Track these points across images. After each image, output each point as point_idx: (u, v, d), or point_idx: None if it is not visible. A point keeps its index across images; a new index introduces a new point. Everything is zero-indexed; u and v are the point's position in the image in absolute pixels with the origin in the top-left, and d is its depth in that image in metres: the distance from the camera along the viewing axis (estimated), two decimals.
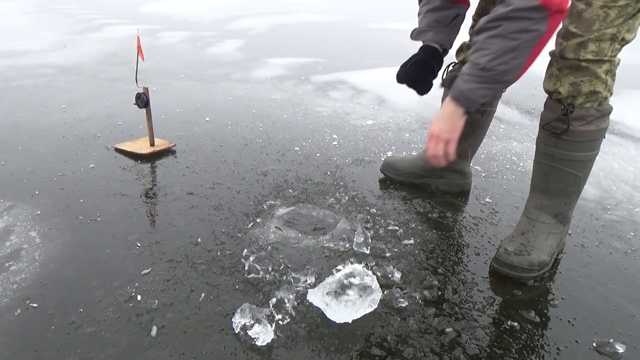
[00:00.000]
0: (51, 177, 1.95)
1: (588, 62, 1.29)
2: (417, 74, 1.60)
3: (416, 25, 1.67)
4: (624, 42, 1.30)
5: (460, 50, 1.79)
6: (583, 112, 1.35)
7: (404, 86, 1.64)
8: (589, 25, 1.25)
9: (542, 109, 1.47)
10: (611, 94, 1.37)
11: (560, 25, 1.31)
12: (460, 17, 1.61)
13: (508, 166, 2.31)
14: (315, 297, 1.27)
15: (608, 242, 1.70)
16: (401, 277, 1.42)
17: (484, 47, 1.22)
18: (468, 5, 1.62)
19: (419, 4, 1.68)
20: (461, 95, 1.31)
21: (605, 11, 1.23)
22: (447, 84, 1.39)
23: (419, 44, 1.66)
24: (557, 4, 1.13)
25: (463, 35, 1.76)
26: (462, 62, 1.79)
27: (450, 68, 1.81)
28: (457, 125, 1.36)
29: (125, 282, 1.35)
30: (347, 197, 1.89)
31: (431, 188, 2.01)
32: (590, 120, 1.36)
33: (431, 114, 2.84)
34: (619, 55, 1.33)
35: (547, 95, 1.44)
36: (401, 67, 1.63)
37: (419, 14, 1.66)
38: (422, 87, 1.63)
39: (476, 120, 1.81)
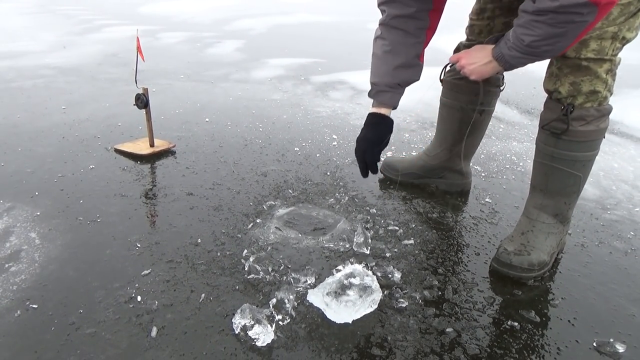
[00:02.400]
0: (51, 178, 1.95)
1: (589, 61, 1.29)
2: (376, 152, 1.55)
3: (373, 54, 1.60)
4: (625, 41, 1.29)
5: (457, 50, 1.79)
6: (583, 112, 1.35)
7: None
8: None
9: (542, 109, 1.47)
10: (611, 94, 1.37)
11: None
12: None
13: (508, 166, 2.31)
14: (316, 297, 1.27)
15: (608, 241, 1.70)
16: (401, 277, 1.42)
17: (529, 27, 1.19)
18: (422, 65, 1.57)
19: (378, 42, 1.57)
20: (502, 58, 1.31)
21: None
22: (492, 40, 1.38)
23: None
24: None
25: (459, 36, 1.76)
26: None
27: (448, 68, 1.82)
28: (487, 72, 1.39)
29: (125, 283, 1.35)
30: (347, 197, 1.89)
31: (431, 188, 2.01)
32: (590, 120, 1.35)
33: (431, 114, 2.84)
34: (619, 55, 1.33)
35: (547, 95, 1.44)
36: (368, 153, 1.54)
37: (377, 57, 1.58)
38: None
39: (475, 120, 1.81)
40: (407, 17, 1.47)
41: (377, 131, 1.55)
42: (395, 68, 1.52)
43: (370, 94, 1.61)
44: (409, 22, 1.48)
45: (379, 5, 1.55)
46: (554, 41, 1.18)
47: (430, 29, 1.52)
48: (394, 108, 1.59)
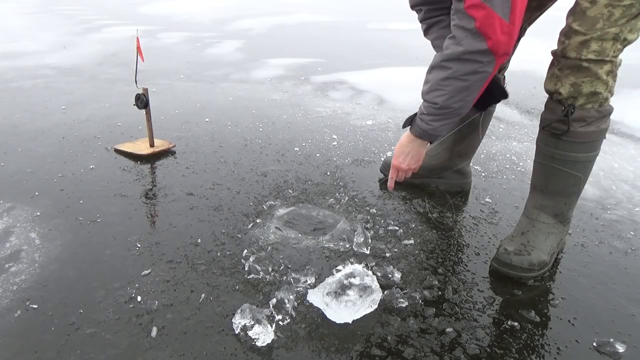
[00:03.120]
0: (51, 178, 1.95)
1: (589, 62, 1.29)
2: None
3: (433, 46, 1.66)
4: (626, 42, 1.29)
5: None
6: (583, 113, 1.34)
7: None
8: (592, 23, 1.25)
9: (542, 109, 1.47)
10: (612, 95, 1.37)
11: (564, 23, 1.32)
12: None
13: (508, 166, 2.31)
14: (316, 297, 1.27)
15: (608, 241, 1.70)
16: (401, 277, 1.42)
17: (439, 87, 1.33)
18: None
19: (428, 26, 1.66)
20: (425, 134, 1.44)
21: (609, 10, 1.23)
22: (406, 124, 1.52)
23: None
24: (503, 48, 1.22)
25: None
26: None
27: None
28: (422, 156, 1.54)
29: (125, 283, 1.35)
30: (347, 197, 1.89)
31: (431, 188, 2.01)
32: (590, 121, 1.35)
33: None
34: (620, 56, 1.33)
35: (547, 96, 1.44)
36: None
37: (436, 37, 1.63)
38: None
39: (475, 119, 1.81)
40: (442, 8, 1.59)
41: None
42: None
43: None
44: (445, 10, 1.59)
45: (412, 7, 1.69)
46: (464, 95, 1.32)
47: None
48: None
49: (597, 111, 1.35)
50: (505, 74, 1.77)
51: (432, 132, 1.42)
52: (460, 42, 1.25)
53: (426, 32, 1.70)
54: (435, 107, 1.36)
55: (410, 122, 1.50)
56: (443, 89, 1.32)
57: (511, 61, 1.73)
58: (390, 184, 1.60)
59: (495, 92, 1.51)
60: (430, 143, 1.51)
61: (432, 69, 1.37)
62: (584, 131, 1.36)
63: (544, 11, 1.57)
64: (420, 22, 1.71)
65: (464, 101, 1.34)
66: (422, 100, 1.41)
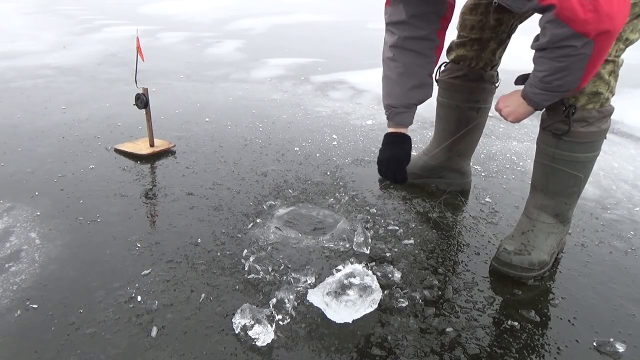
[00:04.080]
0: (51, 178, 1.95)
1: None
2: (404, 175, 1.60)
3: (383, 88, 1.63)
4: (628, 42, 1.29)
5: (450, 49, 1.79)
6: (584, 113, 1.34)
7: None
8: None
9: (543, 109, 1.46)
10: (613, 95, 1.36)
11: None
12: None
13: (508, 166, 2.31)
14: (316, 297, 1.27)
15: (608, 241, 1.70)
16: (401, 277, 1.42)
17: (538, 63, 1.25)
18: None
19: (391, 65, 1.58)
20: (528, 98, 1.34)
21: None
22: (519, 81, 1.41)
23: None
24: (594, 27, 1.09)
25: (450, 35, 1.76)
26: (453, 61, 1.78)
27: (443, 68, 1.82)
28: (520, 115, 1.41)
29: (126, 283, 1.35)
30: (347, 197, 1.89)
31: (431, 188, 2.01)
32: (591, 121, 1.35)
33: (430, 114, 2.84)
34: (622, 56, 1.32)
35: None
36: (390, 168, 1.59)
37: (391, 80, 1.59)
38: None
39: (472, 118, 1.81)
40: (418, 38, 1.51)
41: (402, 149, 1.59)
42: (410, 89, 1.56)
43: (388, 116, 1.64)
44: (420, 43, 1.52)
45: (387, 25, 1.58)
46: (562, 75, 1.21)
47: (439, 48, 1.56)
48: (409, 125, 1.64)
49: (598, 111, 1.35)
50: (498, 69, 1.78)
51: (534, 99, 1.33)
52: (545, 33, 1.18)
53: (392, 54, 1.57)
54: (537, 79, 1.28)
55: (523, 80, 1.39)
56: (541, 66, 1.25)
57: (511, 60, 1.74)
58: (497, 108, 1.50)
59: None
60: (534, 109, 1.39)
61: (535, 48, 1.27)
62: (585, 131, 1.36)
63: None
64: (392, 45, 1.56)
65: (562, 80, 1.23)
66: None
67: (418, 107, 1.62)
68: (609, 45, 1.15)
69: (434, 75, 1.83)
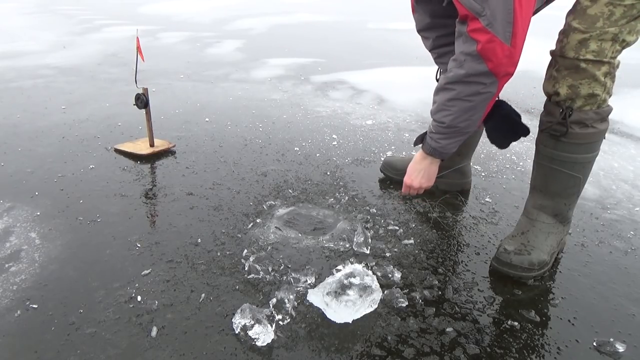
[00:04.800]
0: (51, 178, 1.95)
1: (587, 63, 1.29)
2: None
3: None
4: (625, 43, 1.29)
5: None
6: (582, 115, 1.34)
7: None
8: (592, 22, 1.25)
9: (542, 110, 1.46)
10: (610, 96, 1.36)
11: (564, 22, 1.32)
12: None
13: (508, 165, 2.31)
14: (316, 297, 1.27)
15: (608, 241, 1.70)
16: (401, 277, 1.42)
17: (445, 108, 1.38)
18: None
19: (440, 55, 1.71)
20: (436, 152, 1.48)
21: (610, 9, 1.23)
22: (418, 142, 1.56)
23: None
24: (504, 70, 1.26)
25: None
26: None
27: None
28: (434, 173, 1.57)
29: (125, 283, 1.35)
30: (347, 197, 1.89)
31: (431, 188, 2.01)
32: (589, 123, 1.35)
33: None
34: (618, 58, 1.32)
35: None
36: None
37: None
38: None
39: None
40: (450, 34, 1.55)
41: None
42: None
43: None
44: (452, 36, 1.56)
45: (419, 33, 1.73)
46: (470, 115, 1.36)
47: None
48: None
49: (595, 113, 1.35)
50: None
51: (441, 150, 1.47)
52: (462, 65, 1.29)
53: (438, 61, 1.74)
54: (443, 127, 1.40)
55: (421, 140, 1.54)
56: (449, 109, 1.37)
57: None
58: (404, 193, 1.64)
59: (518, 130, 1.51)
60: (442, 161, 1.54)
61: (438, 90, 1.41)
62: (583, 132, 1.36)
63: (547, 5, 1.56)
64: (430, 50, 1.73)
65: (469, 120, 1.37)
66: (432, 120, 1.45)
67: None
68: (501, 89, 1.31)
69: (434, 76, 1.83)
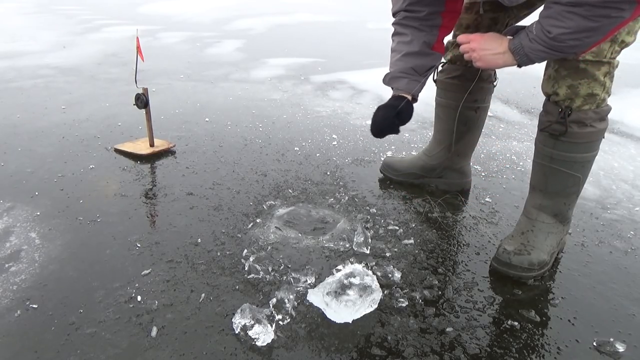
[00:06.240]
0: (51, 178, 1.95)
1: (587, 64, 1.29)
2: (387, 123, 1.55)
3: (389, 63, 1.61)
4: (624, 44, 1.29)
5: (446, 49, 1.75)
6: (581, 115, 1.34)
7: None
8: None
9: (541, 110, 1.46)
10: (609, 95, 1.37)
11: None
12: (434, 69, 1.60)
13: (508, 165, 2.31)
14: (316, 297, 1.27)
15: (608, 241, 1.70)
16: (401, 277, 1.42)
17: (559, 17, 1.13)
18: (443, 54, 1.59)
19: (394, 39, 1.60)
20: (522, 51, 1.25)
21: None
22: (511, 32, 1.30)
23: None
24: None
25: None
26: (449, 61, 1.78)
27: (440, 68, 1.82)
28: (496, 63, 1.33)
29: (125, 283, 1.35)
30: (347, 197, 1.89)
31: (431, 188, 2.01)
32: (588, 122, 1.35)
33: (430, 114, 2.84)
34: (617, 58, 1.32)
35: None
36: (374, 118, 1.56)
37: (393, 51, 1.59)
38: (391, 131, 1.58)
39: (471, 117, 1.82)
40: (416, 18, 1.51)
41: (392, 104, 1.54)
42: (406, 54, 1.53)
43: (384, 81, 1.60)
44: (418, 21, 1.51)
45: (394, 14, 1.59)
46: (585, 35, 1.13)
47: (444, 27, 1.54)
48: (414, 97, 1.57)
49: (594, 112, 1.35)
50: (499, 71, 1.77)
51: (528, 51, 1.23)
52: None
53: (392, 37, 1.61)
54: (547, 35, 1.17)
55: (514, 32, 1.29)
56: (565, 21, 1.12)
57: None
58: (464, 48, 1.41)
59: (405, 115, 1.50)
60: (519, 66, 1.31)
61: (553, 5, 1.16)
62: (582, 132, 1.36)
63: (532, 10, 1.56)
64: (392, 24, 1.61)
65: (581, 41, 1.14)
66: (538, 22, 1.20)
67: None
68: (635, 16, 1.09)
69: (433, 76, 1.83)
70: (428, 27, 1.51)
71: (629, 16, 1.08)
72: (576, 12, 1.10)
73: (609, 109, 1.38)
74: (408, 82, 1.53)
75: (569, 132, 1.36)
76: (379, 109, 1.54)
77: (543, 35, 1.18)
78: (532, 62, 1.27)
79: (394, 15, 1.59)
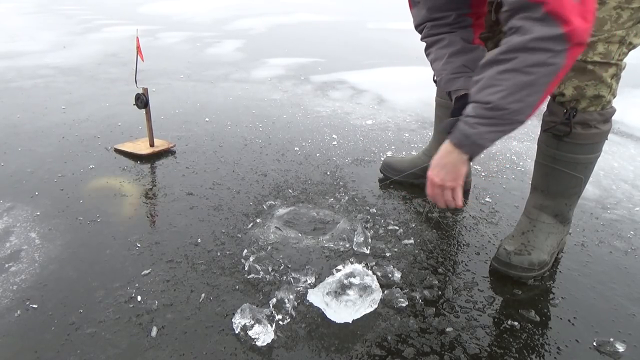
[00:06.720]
0: (51, 178, 1.95)
1: (594, 65, 1.28)
2: None
3: (432, 69, 1.53)
4: (632, 46, 1.29)
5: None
6: (586, 116, 1.34)
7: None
8: (600, 25, 1.24)
9: (544, 110, 1.46)
10: (614, 97, 1.36)
11: None
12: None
13: (508, 165, 2.31)
14: (316, 297, 1.27)
15: (608, 241, 1.70)
16: (401, 277, 1.42)
17: (494, 83, 1.10)
18: (485, 47, 1.49)
19: (430, 50, 1.52)
20: (467, 141, 1.16)
21: (618, 12, 1.22)
22: (447, 129, 1.23)
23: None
24: (580, 35, 1.01)
25: None
26: None
27: None
28: (460, 172, 1.22)
29: (125, 283, 1.35)
30: (347, 197, 1.89)
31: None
32: (593, 123, 1.35)
33: (430, 114, 2.84)
34: (625, 60, 1.32)
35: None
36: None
37: (435, 60, 1.49)
38: None
39: None
40: (446, 24, 1.46)
41: (460, 107, 1.32)
42: (451, 55, 1.43)
43: (440, 88, 1.52)
44: (449, 26, 1.46)
45: (418, 28, 1.54)
46: (524, 94, 1.07)
47: (476, 25, 1.47)
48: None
49: (599, 114, 1.34)
50: None
51: (475, 138, 1.14)
52: (526, 31, 1.04)
53: (426, 51, 1.55)
54: (487, 108, 1.10)
55: (451, 126, 1.22)
56: (499, 84, 1.08)
57: None
58: (434, 200, 1.31)
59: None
60: (470, 159, 1.21)
61: (485, 65, 1.14)
62: (586, 133, 1.36)
63: None
64: (422, 39, 1.58)
65: (522, 102, 1.08)
66: (471, 103, 1.16)
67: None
68: (572, 63, 1.07)
69: (433, 76, 1.83)
70: (460, 28, 1.46)
71: (564, 62, 1.04)
72: (509, 69, 1.07)
73: (613, 111, 1.38)
74: (465, 80, 1.39)
75: (573, 133, 1.36)
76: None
77: (483, 111, 1.12)
78: (483, 149, 1.18)
79: (418, 28, 1.53)
